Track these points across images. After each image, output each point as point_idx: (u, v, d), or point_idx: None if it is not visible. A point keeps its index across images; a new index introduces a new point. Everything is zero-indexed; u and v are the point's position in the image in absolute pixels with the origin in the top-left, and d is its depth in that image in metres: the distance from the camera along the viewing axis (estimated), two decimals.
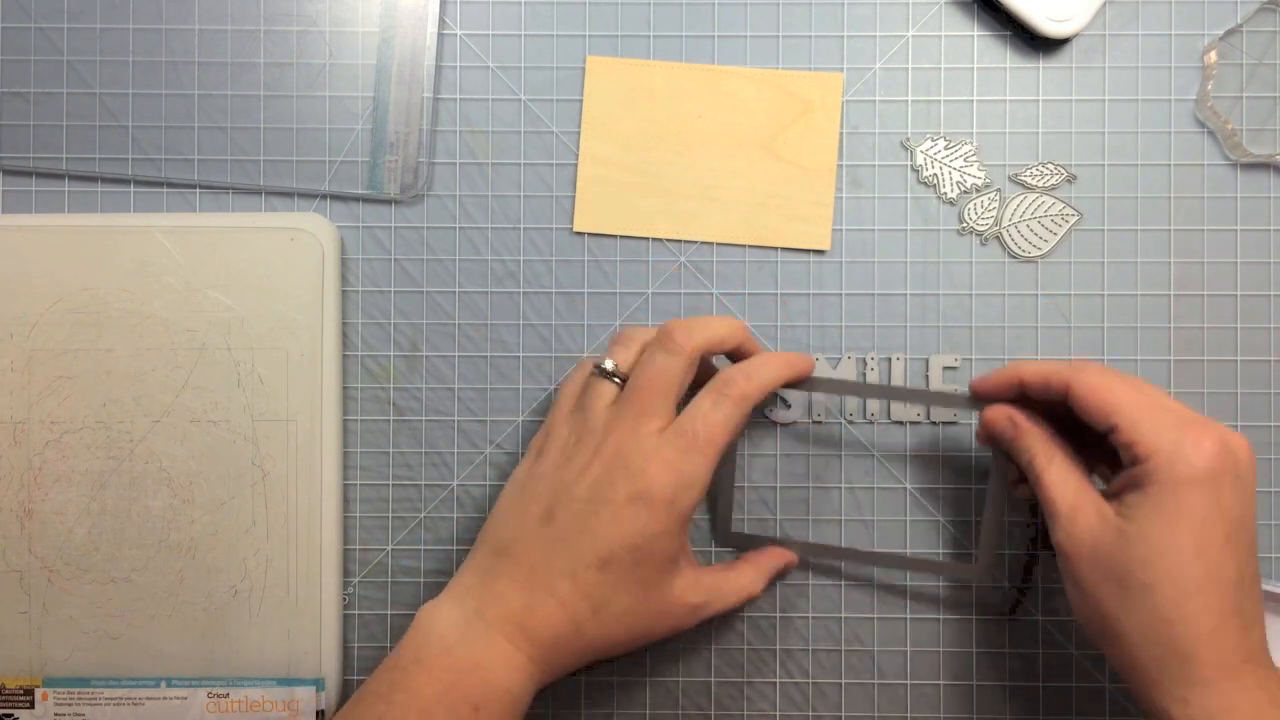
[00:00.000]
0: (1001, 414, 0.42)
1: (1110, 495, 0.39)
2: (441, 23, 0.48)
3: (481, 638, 0.40)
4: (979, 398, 0.43)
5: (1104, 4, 0.47)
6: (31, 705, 0.46)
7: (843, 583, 0.48)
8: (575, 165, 0.48)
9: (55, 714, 0.46)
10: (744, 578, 0.44)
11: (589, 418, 0.41)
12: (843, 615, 0.48)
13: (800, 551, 0.47)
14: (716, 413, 0.40)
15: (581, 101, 0.48)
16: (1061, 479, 0.40)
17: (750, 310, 0.48)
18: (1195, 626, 0.37)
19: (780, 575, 0.47)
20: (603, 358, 0.43)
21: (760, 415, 0.48)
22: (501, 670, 0.39)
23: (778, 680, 0.48)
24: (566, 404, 0.43)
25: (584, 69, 0.48)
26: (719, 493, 0.47)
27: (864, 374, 0.48)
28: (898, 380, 0.48)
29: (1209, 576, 0.37)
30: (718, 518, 0.47)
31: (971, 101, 0.48)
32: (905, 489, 0.48)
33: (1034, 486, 0.41)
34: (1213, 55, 0.47)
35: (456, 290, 0.48)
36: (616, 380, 0.42)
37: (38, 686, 0.46)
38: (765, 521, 0.48)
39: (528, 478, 0.42)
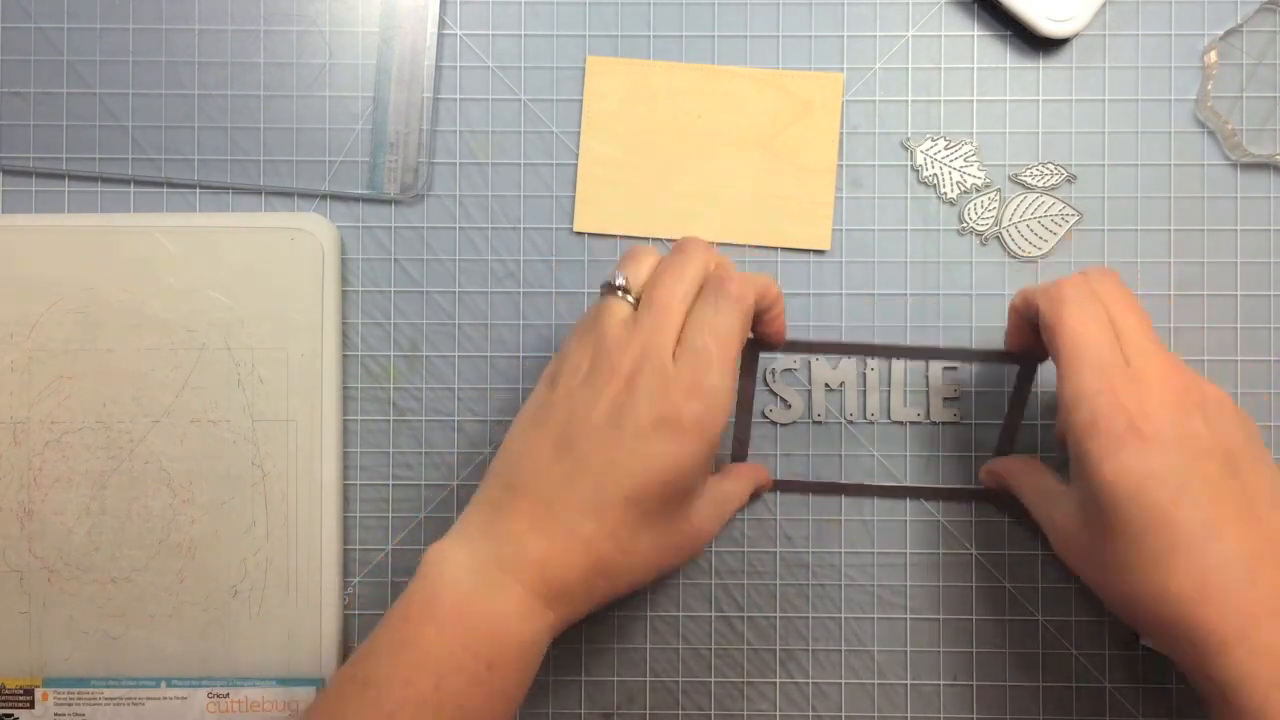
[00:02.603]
0: (989, 477, 0.46)
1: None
2: (441, 23, 0.48)
3: (497, 586, 0.36)
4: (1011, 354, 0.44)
5: (1104, 4, 0.47)
6: (31, 705, 0.46)
7: (843, 583, 0.48)
8: (575, 165, 0.48)
9: (55, 714, 0.46)
10: (738, 486, 0.44)
11: (603, 338, 0.38)
12: (843, 615, 0.48)
13: (800, 489, 0.47)
14: (721, 319, 0.38)
15: (581, 101, 0.48)
16: (1039, 496, 0.41)
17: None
18: (1172, 599, 0.35)
19: (756, 494, 0.47)
20: (613, 274, 0.40)
21: (760, 415, 0.48)
22: (518, 621, 0.36)
23: (778, 680, 0.48)
24: (580, 327, 0.40)
25: (584, 69, 0.48)
26: (736, 412, 0.46)
27: (864, 374, 0.48)
28: (898, 380, 0.48)
29: (1169, 543, 0.35)
30: (734, 440, 0.47)
31: (971, 101, 0.48)
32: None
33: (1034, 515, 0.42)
34: (1213, 55, 0.47)
35: (456, 290, 0.48)
36: (629, 298, 0.39)
37: (38, 686, 0.46)
38: (765, 522, 0.48)
39: (539, 406, 0.39)
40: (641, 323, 0.38)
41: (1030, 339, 0.42)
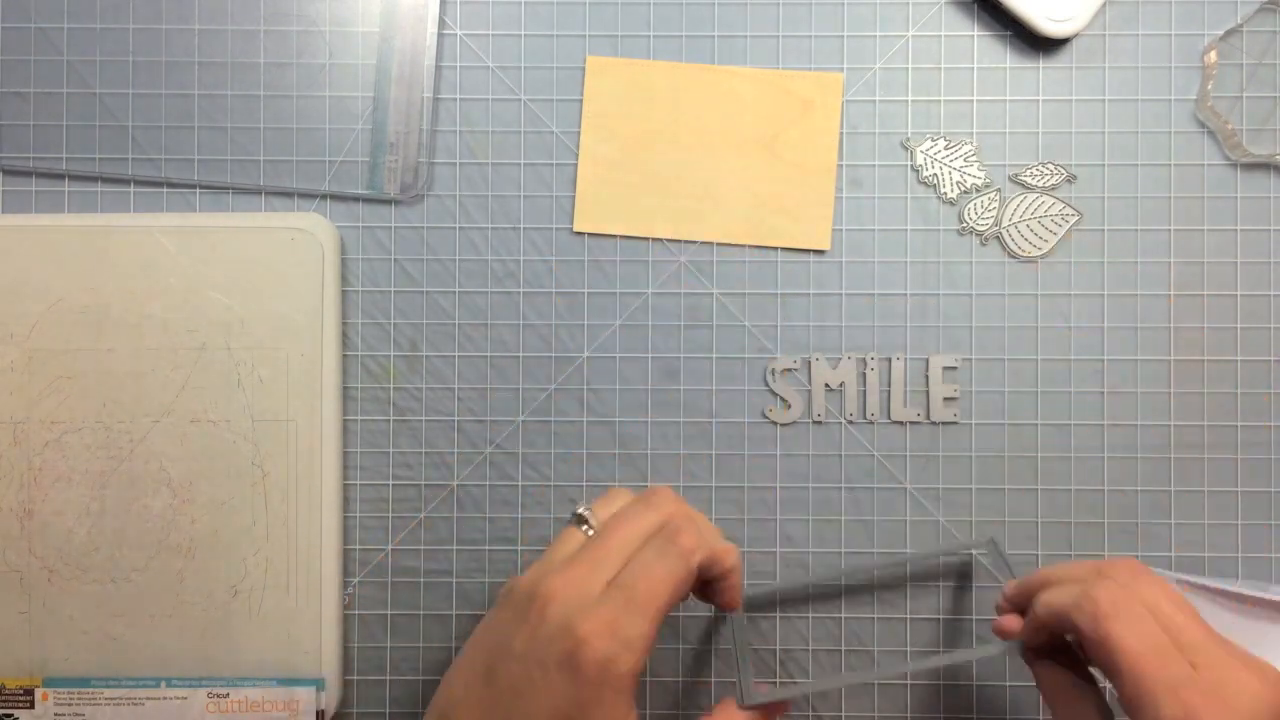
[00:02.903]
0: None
1: None
2: (441, 23, 0.48)
3: None
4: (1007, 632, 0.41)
5: (1104, 4, 0.47)
6: (31, 705, 0.46)
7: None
8: (575, 165, 0.48)
9: (55, 714, 0.46)
10: None
11: (545, 565, 0.38)
12: (843, 615, 0.48)
13: (827, 687, 0.46)
14: (660, 566, 0.36)
15: (581, 101, 0.48)
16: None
17: (750, 310, 0.48)
18: None
19: None
20: (583, 507, 0.40)
21: (760, 415, 0.48)
22: None
23: (778, 680, 0.48)
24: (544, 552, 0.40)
25: (584, 69, 0.48)
26: (739, 655, 0.43)
27: (864, 374, 0.48)
28: (898, 380, 0.48)
29: None
30: (740, 684, 0.42)
31: (971, 101, 0.48)
32: (905, 489, 0.48)
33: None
34: (1213, 55, 0.47)
35: (456, 290, 0.48)
36: (589, 531, 0.39)
37: (38, 686, 0.46)
38: (765, 522, 0.48)
39: (481, 630, 0.38)
40: (580, 558, 0.37)
41: (1051, 640, 0.40)
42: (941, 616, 0.48)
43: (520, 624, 0.36)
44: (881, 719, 0.48)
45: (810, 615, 0.48)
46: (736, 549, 0.39)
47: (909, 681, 0.48)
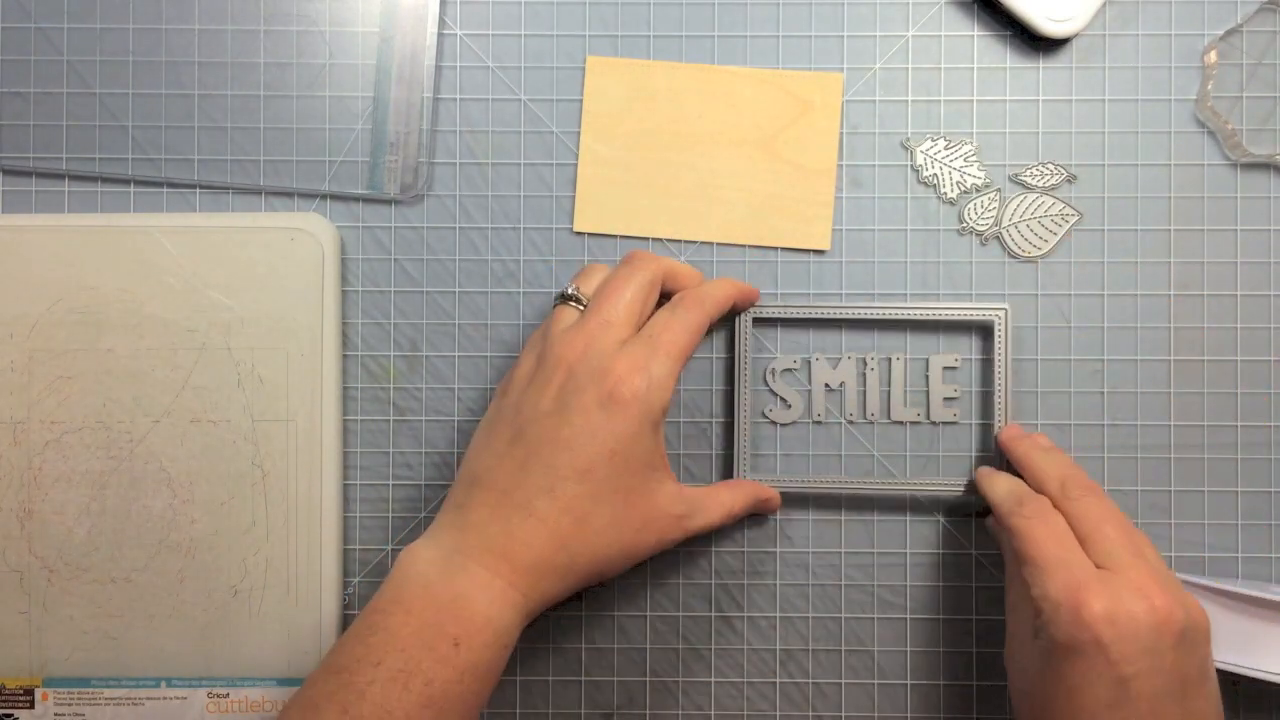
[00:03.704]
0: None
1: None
2: (441, 23, 0.48)
3: (460, 570, 0.38)
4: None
5: (1104, 4, 0.47)
6: (31, 705, 0.46)
7: (843, 583, 0.48)
8: (575, 165, 0.48)
9: (55, 714, 0.46)
10: (724, 494, 0.44)
11: (549, 339, 0.41)
12: (843, 615, 0.48)
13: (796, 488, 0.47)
14: (676, 319, 0.41)
15: (581, 101, 0.48)
16: (1013, 602, 0.41)
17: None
18: None
19: (761, 510, 0.46)
20: (566, 286, 0.43)
21: (760, 415, 0.48)
22: (482, 601, 0.38)
23: (778, 680, 0.48)
24: (530, 339, 0.43)
25: (584, 69, 0.48)
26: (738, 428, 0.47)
27: (864, 374, 0.48)
28: (898, 380, 0.48)
29: None
30: (732, 458, 0.47)
31: (971, 101, 0.48)
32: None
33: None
34: (1213, 55, 0.47)
35: (456, 290, 0.48)
36: (579, 306, 0.42)
37: (38, 686, 0.46)
38: (765, 522, 0.48)
39: (494, 411, 0.42)
40: (586, 321, 0.41)
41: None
42: (941, 616, 0.48)
43: (545, 385, 0.40)
44: (881, 719, 0.48)
45: (810, 615, 0.48)
46: (727, 281, 0.45)
47: (909, 681, 0.48)
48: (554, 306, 0.43)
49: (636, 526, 0.40)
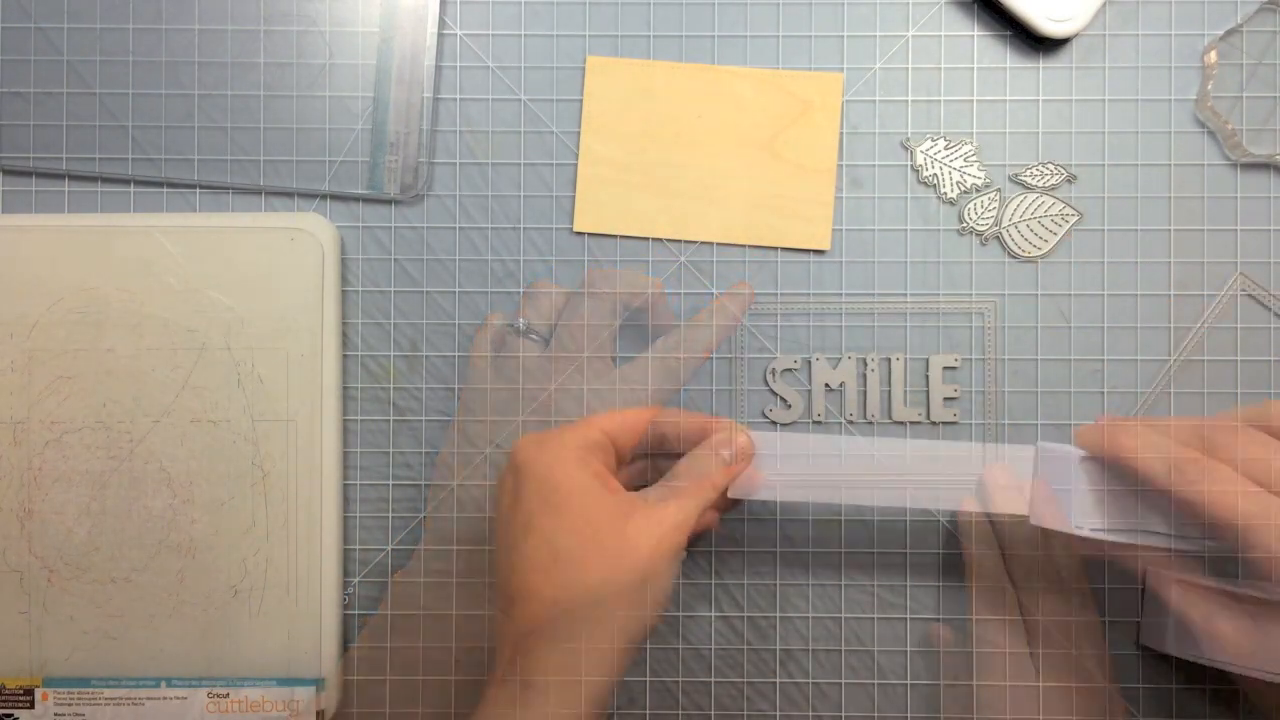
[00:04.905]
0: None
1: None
2: (441, 23, 0.48)
3: None
4: None
5: (1104, 4, 0.47)
6: (31, 705, 0.46)
7: (843, 583, 0.48)
8: (575, 165, 0.48)
9: (55, 714, 0.46)
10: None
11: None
12: (843, 615, 0.48)
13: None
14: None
15: (581, 101, 0.48)
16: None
17: (750, 310, 0.48)
18: None
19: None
20: (516, 315, 0.44)
21: (760, 415, 0.48)
22: None
23: (778, 680, 0.48)
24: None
25: (584, 69, 0.48)
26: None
27: (864, 374, 0.48)
28: (898, 380, 0.48)
29: None
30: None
31: (971, 101, 0.48)
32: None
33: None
34: (1213, 55, 0.47)
35: (456, 290, 0.48)
36: (533, 337, 0.44)
37: (38, 686, 0.46)
38: (765, 522, 0.48)
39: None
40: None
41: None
42: (941, 617, 0.48)
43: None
44: (881, 719, 0.48)
45: (810, 615, 0.48)
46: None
47: (909, 681, 0.48)
48: (508, 336, 0.43)
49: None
